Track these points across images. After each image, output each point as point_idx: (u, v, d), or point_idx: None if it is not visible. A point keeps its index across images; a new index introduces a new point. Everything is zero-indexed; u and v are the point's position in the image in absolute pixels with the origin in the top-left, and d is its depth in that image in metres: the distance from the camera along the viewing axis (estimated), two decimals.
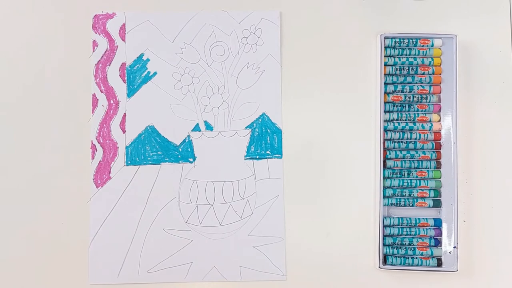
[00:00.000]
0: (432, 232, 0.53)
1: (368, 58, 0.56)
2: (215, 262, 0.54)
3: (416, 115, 0.54)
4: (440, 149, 0.54)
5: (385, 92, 0.54)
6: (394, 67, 0.54)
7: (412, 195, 0.53)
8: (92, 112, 0.55)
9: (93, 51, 0.56)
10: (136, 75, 0.55)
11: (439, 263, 0.53)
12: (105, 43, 0.56)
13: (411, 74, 0.55)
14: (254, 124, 0.55)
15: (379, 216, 0.53)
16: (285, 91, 0.56)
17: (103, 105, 0.55)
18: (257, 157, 0.55)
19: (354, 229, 0.54)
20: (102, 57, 0.56)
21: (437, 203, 0.53)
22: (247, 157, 0.55)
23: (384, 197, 0.53)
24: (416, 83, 0.54)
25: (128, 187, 0.54)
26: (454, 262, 0.52)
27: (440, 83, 0.54)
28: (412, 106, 0.54)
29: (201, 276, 0.53)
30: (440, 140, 0.54)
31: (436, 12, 0.56)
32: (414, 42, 0.54)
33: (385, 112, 0.54)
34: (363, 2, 0.57)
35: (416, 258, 0.53)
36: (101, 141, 0.55)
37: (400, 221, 0.53)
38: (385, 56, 0.54)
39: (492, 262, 0.54)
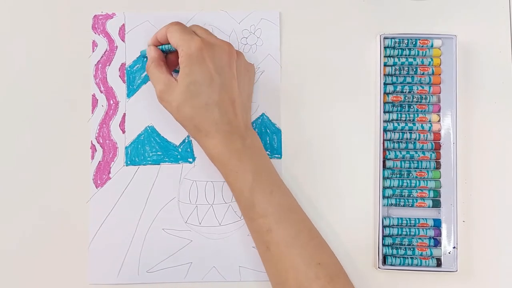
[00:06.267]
0: (431, 233, 0.53)
1: (368, 58, 0.56)
2: (215, 262, 0.54)
3: (416, 115, 0.54)
4: (439, 150, 0.54)
5: (384, 93, 0.54)
6: (393, 68, 0.54)
7: (411, 195, 0.53)
8: (92, 112, 0.55)
9: (93, 51, 0.56)
10: (136, 76, 0.55)
11: (439, 263, 0.53)
12: (104, 43, 0.56)
13: (410, 75, 0.55)
14: (254, 124, 0.55)
15: (379, 216, 0.53)
16: (285, 91, 0.56)
17: (102, 105, 0.55)
18: None
19: (354, 229, 0.54)
20: (101, 57, 0.56)
21: (436, 204, 0.53)
22: None
23: (384, 197, 0.53)
24: (416, 83, 0.54)
25: (128, 187, 0.55)
26: (453, 263, 0.52)
27: (439, 84, 0.54)
28: (411, 107, 0.54)
29: (201, 276, 0.53)
30: (439, 140, 0.54)
31: (436, 12, 0.56)
32: (414, 43, 0.54)
33: (384, 112, 0.54)
34: (363, 2, 0.57)
35: (416, 258, 0.53)
36: (101, 141, 0.55)
37: (400, 222, 0.53)
38: (384, 57, 0.54)
39: (492, 263, 0.54)
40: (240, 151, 0.49)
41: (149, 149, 0.55)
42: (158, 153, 0.55)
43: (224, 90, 0.49)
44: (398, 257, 0.53)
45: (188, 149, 0.55)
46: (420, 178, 0.54)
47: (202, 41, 0.49)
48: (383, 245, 0.53)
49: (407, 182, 0.53)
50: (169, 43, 0.52)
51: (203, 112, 0.48)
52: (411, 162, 0.54)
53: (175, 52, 0.53)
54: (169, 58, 0.54)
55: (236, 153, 0.49)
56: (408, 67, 0.54)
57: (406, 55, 0.55)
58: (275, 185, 0.50)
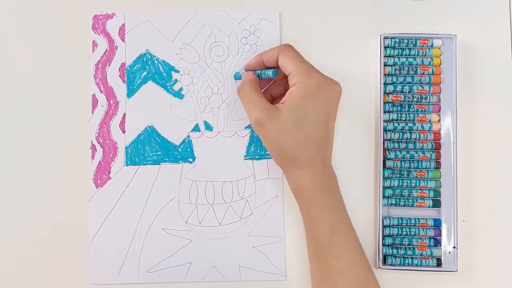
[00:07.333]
0: (431, 232, 0.53)
1: (368, 58, 0.56)
2: (215, 262, 0.54)
3: (416, 115, 0.54)
4: (439, 149, 0.54)
5: (384, 92, 0.54)
6: (394, 67, 0.54)
7: (411, 195, 0.53)
8: (92, 112, 0.55)
9: (93, 51, 0.56)
10: (136, 76, 0.56)
11: (439, 263, 0.53)
12: (104, 43, 0.56)
13: (410, 74, 0.55)
14: None
15: (379, 216, 0.53)
16: None
17: (102, 105, 0.55)
18: (257, 157, 0.55)
19: (354, 229, 0.54)
20: (101, 57, 0.56)
21: (436, 203, 0.53)
22: (246, 157, 0.55)
23: (384, 197, 0.53)
24: (416, 83, 0.54)
25: (128, 187, 0.55)
26: (453, 262, 0.52)
27: (439, 83, 0.54)
28: (411, 106, 0.54)
29: (201, 276, 0.54)
30: (439, 140, 0.54)
31: (436, 12, 0.56)
32: (414, 42, 0.54)
33: (384, 112, 0.54)
34: (363, 2, 0.57)
35: (416, 258, 0.53)
36: (101, 141, 0.55)
37: (400, 221, 0.53)
38: (384, 56, 0.54)
39: (492, 262, 0.54)
40: (327, 187, 0.49)
41: (149, 149, 0.55)
42: (158, 153, 0.55)
43: (326, 128, 0.49)
44: (398, 257, 0.53)
45: (188, 149, 0.55)
46: (420, 178, 0.54)
47: (322, 78, 0.49)
48: (383, 245, 0.53)
49: (407, 182, 0.53)
50: (273, 68, 0.52)
51: (302, 145, 0.48)
52: (411, 162, 0.54)
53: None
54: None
55: (324, 189, 0.49)
56: (408, 67, 0.54)
57: (406, 55, 0.55)
58: (350, 227, 0.50)
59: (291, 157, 0.49)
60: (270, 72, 0.51)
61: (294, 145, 0.48)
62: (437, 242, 0.53)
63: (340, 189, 0.51)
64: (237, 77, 0.55)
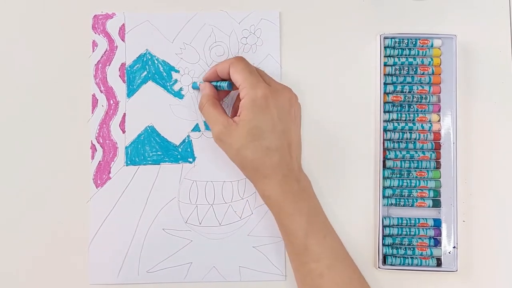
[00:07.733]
0: (431, 232, 0.53)
1: (368, 58, 0.56)
2: (215, 262, 0.54)
3: (416, 115, 0.54)
4: (439, 149, 0.54)
5: (384, 92, 0.54)
6: (393, 67, 0.54)
7: (411, 195, 0.53)
8: (92, 112, 0.55)
9: (93, 51, 0.56)
10: (136, 75, 0.56)
11: (439, 263, 0.53)
12: (104, 43, 0.56)
13: (410, 74, 0.55)
14: None
15: (379, 216, 0.53)
16: None
17: (102, 105, 0.55)
18: None
19: (354, 229, 0.54)
20: (101, 57, 0.56)
21: (436, 203, 0.53)
22: None
23: (384, 197, 0.53)
24: (416, 83, 0.54)
25: (128, 187, 0.54)
26: (453, 262, 0.52)
27: (439, 83, 0.54)
28: (411, 106, 0.54)
29: (201, 276, 0.54)
30: (439, 140, 0.54)
31: (436, 12, 0.56)
32: (414, 42, 0.54)
33: (384, 112, 0.54)
34: (363, 2, 0.57)
35: (416, 258, 0.53)
36: (101, 141, 0.55)
37: (400, 221, 0.53)
38: (384, 56, 0.54)
39: (492, 262, 0.54)
40: (296, 193, 0.49)
41: (149, 149, 0.55)
42: (158, 153, 0.55)
43: (284, 135, 0.49)
44: (398, 257, 0.53)
45: (188, 149, 0.55)
46: (420, 178, 0.54)
47: (268, 88, 0.49)
48: (383, 245, 0.53)
49: (407, 182, 0.54)
50: (227, 80, 0.52)
51: (263, 155, 0.48)
52: (411, 162, 0.54)
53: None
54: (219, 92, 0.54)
55: (292, 195, 0.49)
56: (408, 67, 0.54)
57: (406, 55, 0.55)
58: (327, 228, 0.50)
59: (253, 168, 0.49)
60: (225, 85, 0.52)
61: (254, 157, 0.48)
62: (437, 242, 0.53)
63: (313, 191, 0.51)
64: (194, 87, 0.55)
